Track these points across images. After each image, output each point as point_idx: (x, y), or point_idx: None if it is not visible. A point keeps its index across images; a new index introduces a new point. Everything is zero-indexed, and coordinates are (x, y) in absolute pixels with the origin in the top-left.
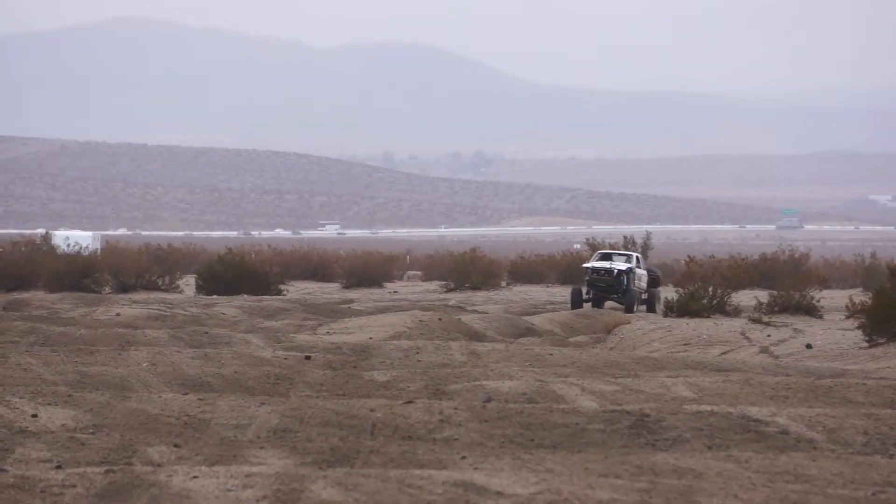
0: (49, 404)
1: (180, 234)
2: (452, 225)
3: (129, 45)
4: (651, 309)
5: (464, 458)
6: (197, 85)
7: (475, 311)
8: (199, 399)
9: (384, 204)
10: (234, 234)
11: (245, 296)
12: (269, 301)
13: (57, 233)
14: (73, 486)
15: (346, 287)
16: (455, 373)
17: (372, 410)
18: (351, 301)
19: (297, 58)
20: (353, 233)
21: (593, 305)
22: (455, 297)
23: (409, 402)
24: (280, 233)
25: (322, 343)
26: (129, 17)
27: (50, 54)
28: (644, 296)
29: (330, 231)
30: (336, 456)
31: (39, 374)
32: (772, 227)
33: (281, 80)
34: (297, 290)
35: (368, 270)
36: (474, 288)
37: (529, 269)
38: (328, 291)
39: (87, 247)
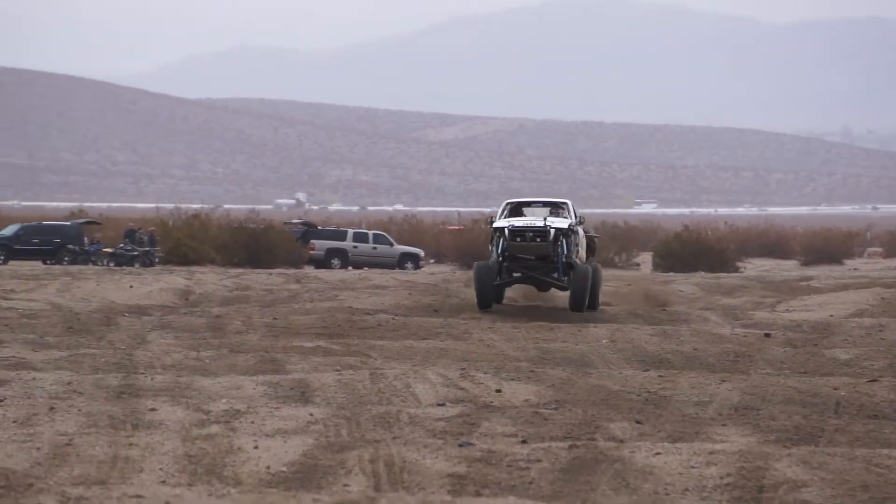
0: (512, 379)
1: (629, 211)
2: None
3: (582, 24)
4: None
5: None
6: (649, 62)
7: None
8: (659, 376)
9: (842, 180)
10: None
11: (702, 273)
12: (726, 278)
13: None
14: (538, 461)
15: (805, 264)
16: None
17: (835, 388)
18: (810, 278)
19: (749, 34)
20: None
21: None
22: None
23: (874, 380)
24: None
25: (781, 320)
26: None
27: (503, 35)
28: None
29: (647, 209)
30: (800, 434)
31: (502, 350)
32: None
33: (733, 56)
34: (755, 266)
35: (827, 247)
36: None
37: None
38: (786, 268)
39: None
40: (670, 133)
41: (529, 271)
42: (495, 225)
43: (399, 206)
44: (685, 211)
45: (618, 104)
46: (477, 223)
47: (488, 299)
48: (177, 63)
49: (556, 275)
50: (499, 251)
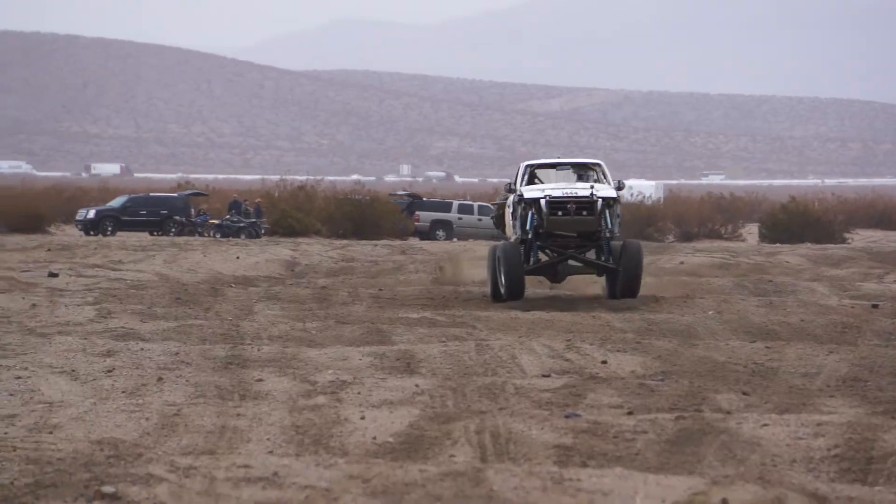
0: (618, 351)
1: (740, 182)
2: None
3: None
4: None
5: None
6: (755, 32)
7: None
8: (766, 347)
9: None
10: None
11: (809, 244)
12: (833, 249)
13: None
14: (645, 433)
15: None
16: None
17: None
18: None
19: (856, 1)
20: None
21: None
22: None
23: None
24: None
25: (890, 291)
26: None
27: (607, 5)
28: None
29: (714, 181)
30: None
31: (608, 321)
32: None
33: (840, 25)
34: (862, 238)
35: None
36: None
37: None
38: (894, 239)
39: (650, 196)
40: (777, 104)
41: (565, 251)
42: (526, 195)
43: (440, 173)
44: (848, 181)
45: (724, 75)
46: None
47: (519, 288)
48: (283, 36)
49: (602, 257)
50: (527, 227)
